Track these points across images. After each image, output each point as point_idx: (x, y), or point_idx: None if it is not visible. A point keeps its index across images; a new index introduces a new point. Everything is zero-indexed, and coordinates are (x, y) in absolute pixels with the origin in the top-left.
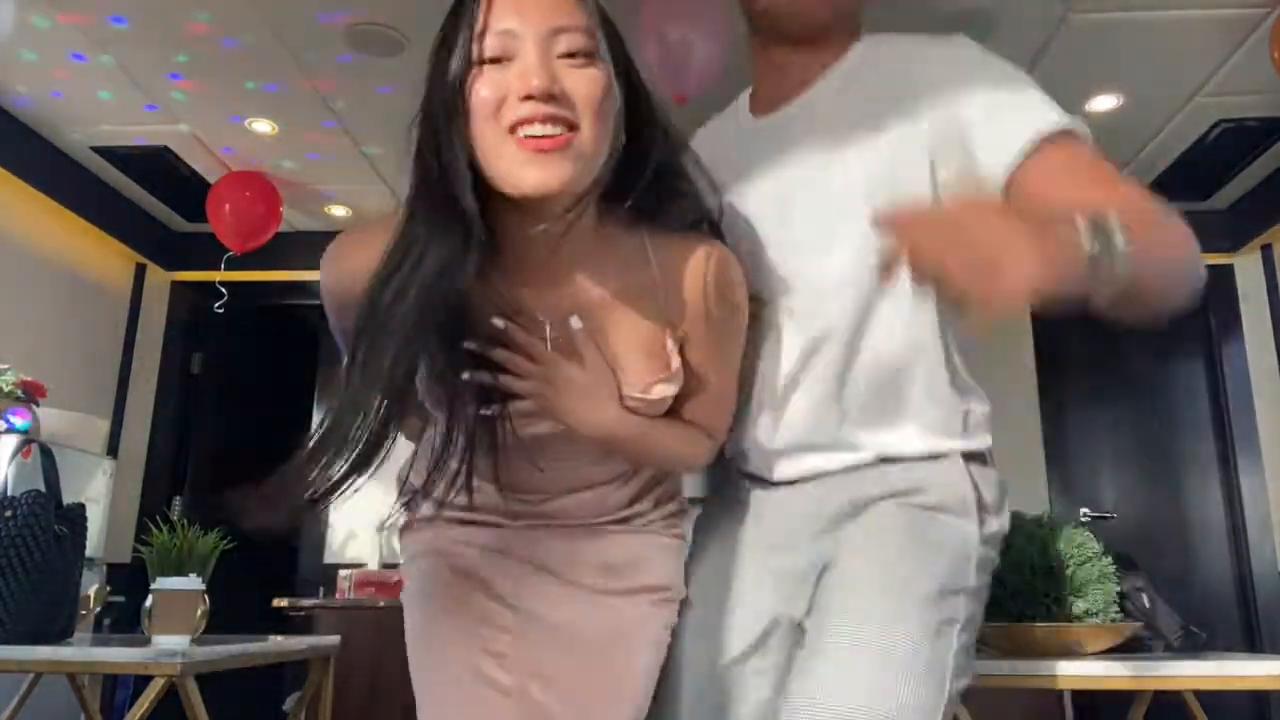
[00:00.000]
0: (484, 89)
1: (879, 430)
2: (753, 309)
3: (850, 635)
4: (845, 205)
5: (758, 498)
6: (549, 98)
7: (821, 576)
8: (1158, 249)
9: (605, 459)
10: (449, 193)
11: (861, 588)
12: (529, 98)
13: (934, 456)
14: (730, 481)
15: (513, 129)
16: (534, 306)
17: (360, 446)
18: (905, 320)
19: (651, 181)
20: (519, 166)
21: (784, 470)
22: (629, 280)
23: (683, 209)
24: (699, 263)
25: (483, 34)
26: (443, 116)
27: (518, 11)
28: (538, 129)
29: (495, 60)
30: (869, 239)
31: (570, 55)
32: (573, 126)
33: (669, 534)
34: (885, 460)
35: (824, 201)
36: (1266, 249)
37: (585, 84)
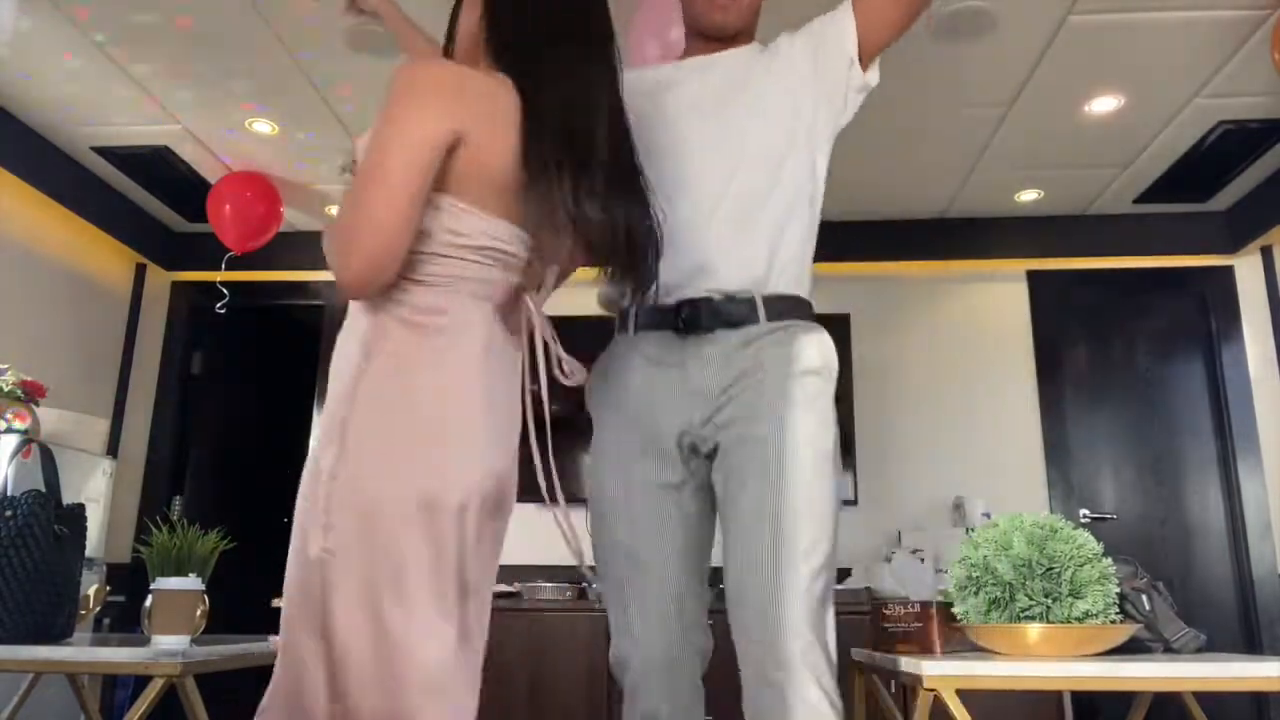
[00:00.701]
0: None
1: None
2: (670, 180)
3: None
4: (735, 123)
5: None
6: None
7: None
8: None
9: None
10: None
11: None
12: None
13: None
14: None
15: None
16: None
17: None
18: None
19: None
20: None
21: None
22: None
23: None
24: None
25: None
26: None
27: None
28: None
29: None
30: (757, 136)
31: None
32: None
33: None
34: None
35: (726, 118)
36: (1266, 250)
37: None
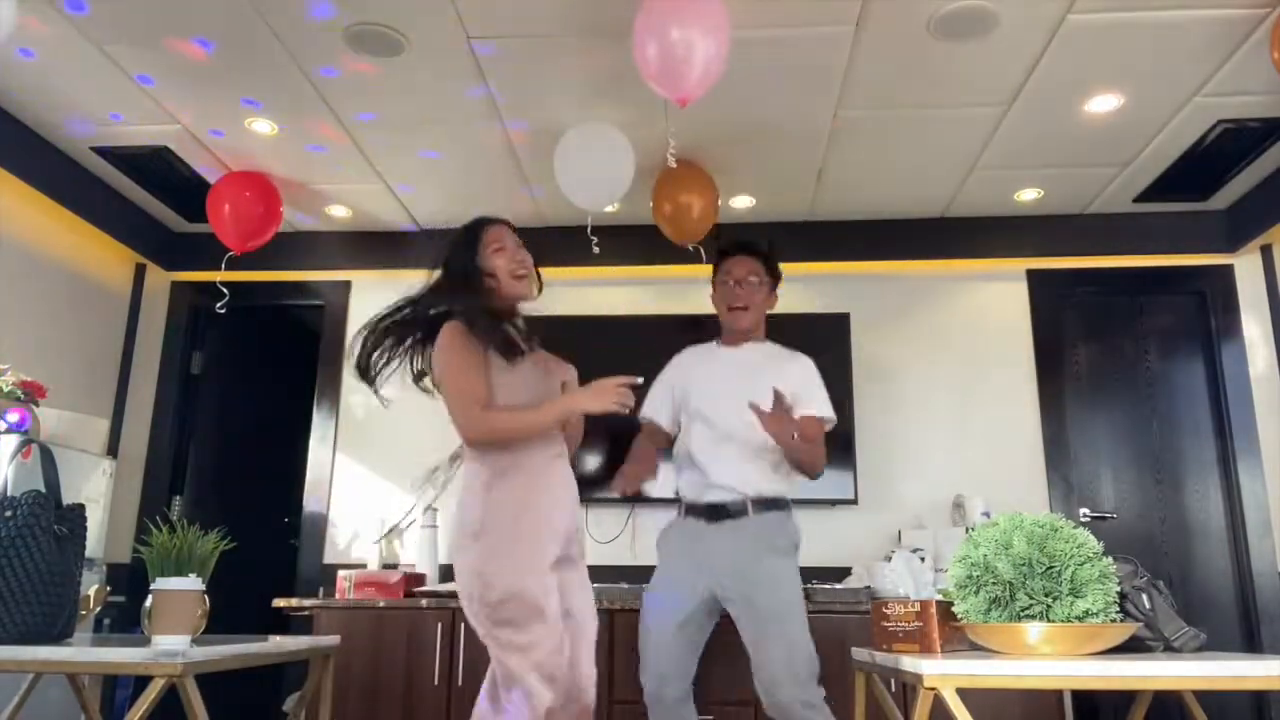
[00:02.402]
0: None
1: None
2: (699, 426)
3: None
4: (744, 399)
5: None
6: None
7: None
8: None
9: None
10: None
11: None
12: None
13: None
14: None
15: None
16: None
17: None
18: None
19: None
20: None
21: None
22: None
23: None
24: (566, 368)
25: (497, 244)
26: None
27: (505, 235)
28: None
29: (500, 249)
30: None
31: (520, 246)
32: (529, 269)
33: None
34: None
35: (740, 394)
36: (1266, 249)
37: (529, 260)
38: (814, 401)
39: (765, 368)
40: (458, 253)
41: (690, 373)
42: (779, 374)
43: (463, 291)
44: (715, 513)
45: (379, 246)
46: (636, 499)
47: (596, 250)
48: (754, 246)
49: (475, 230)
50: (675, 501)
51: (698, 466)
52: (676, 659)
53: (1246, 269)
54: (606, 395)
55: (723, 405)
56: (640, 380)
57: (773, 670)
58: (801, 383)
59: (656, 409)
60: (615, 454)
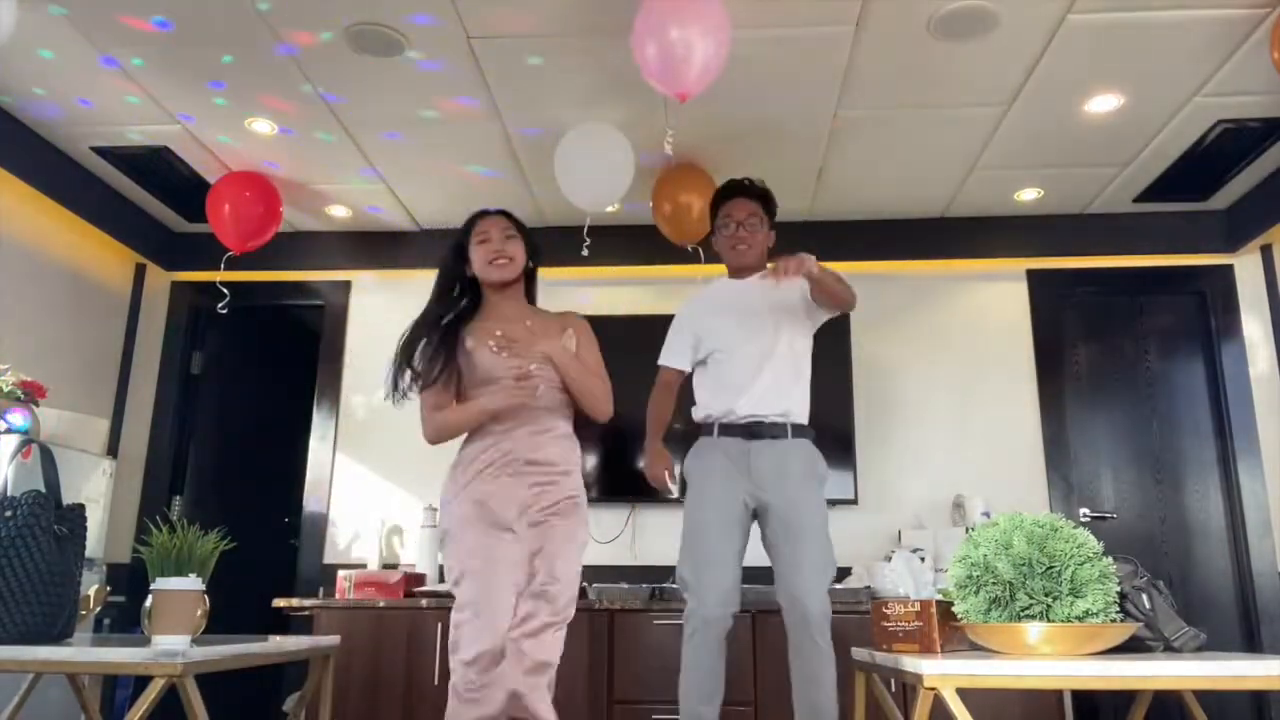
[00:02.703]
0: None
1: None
2: (721, 356)
3: None
4: (772, 313)
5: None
6: (502, 251)
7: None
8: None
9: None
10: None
11: None
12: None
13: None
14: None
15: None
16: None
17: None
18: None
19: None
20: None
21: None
22: (539, 321)
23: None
24: (567, 319)
25: (482, 236)
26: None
27: (490, 227)
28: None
29: (484, 240)
30: (783, 330)
31: (509, 237)
32: (511, 257)
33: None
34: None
35: (752, 314)
36: (1266, 249)
37: (517, 247)
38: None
39: (778, 289)
40: (447, 252)
41: (706, 310)
42: (790, 290)
43: (438, 294)
44: (753, 431)
45: (379, 246)
46: (639, 498)
47: (585, 252)
48: (752, 188)
49: (466, 227)
50: (679, 501)
51: (730, 388)
52: (735, 575)
53: (1246, 269)
54: (507, 393)
55: (751, 328)
56: (534, 366)
57: (809, 578)
58: (799, 292)
59: (677, 356)
60: (612, 454)
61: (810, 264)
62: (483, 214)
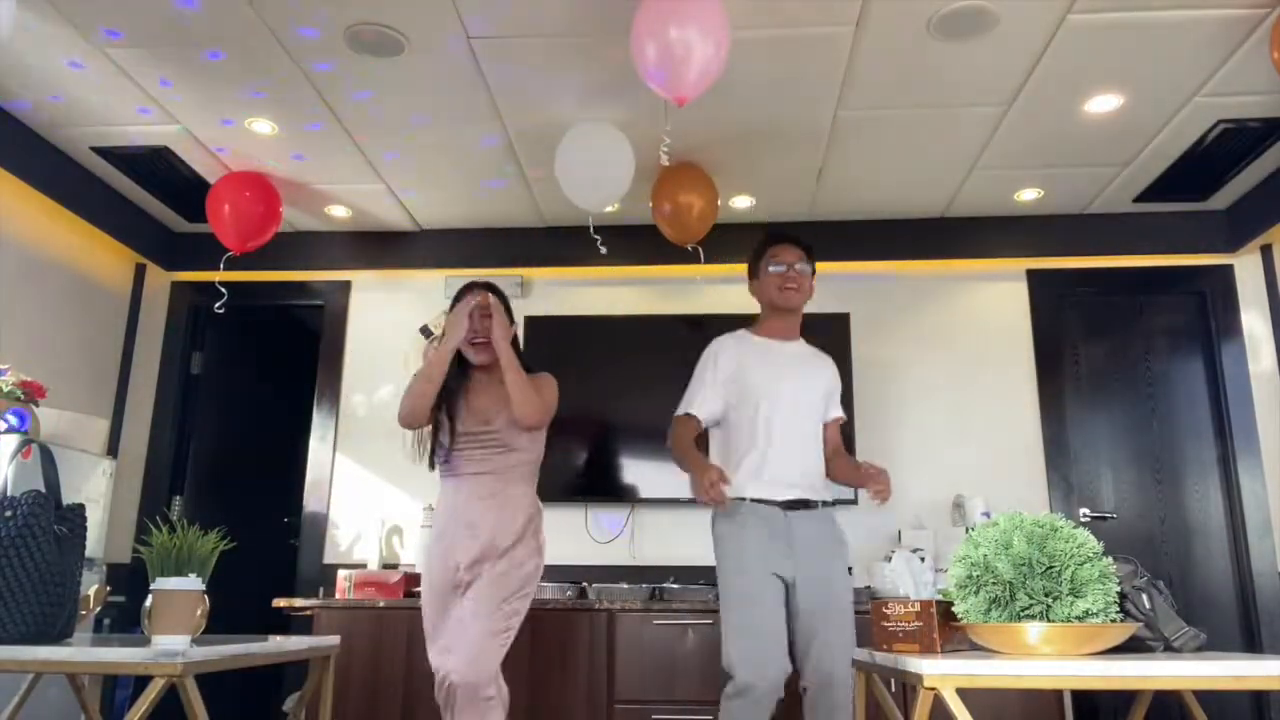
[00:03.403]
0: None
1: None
2: (761, 424)
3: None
4: (811, 390)
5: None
6: (475, 335)
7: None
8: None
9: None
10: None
11: None
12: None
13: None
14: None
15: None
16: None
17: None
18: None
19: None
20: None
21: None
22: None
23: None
24: (538, 381)
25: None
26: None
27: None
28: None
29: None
30: (815, 410)
31: (485, 316)
32: (488, 338)
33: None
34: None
35: (801, 390)
36: (1266, 248)
37: (492, 324)
38: (837, 404)
39: (815, 364)
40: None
41: (748, 365)
42: (823, 371)
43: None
44: (793, 504)
45: (379, 246)
46: (639, 498)
47: (604, 250)
48: (800, 240)
49: (454, 300)
50: (679, 501)
51: (771, 460)
52: (785, 645)
53: (1246, 269)
54: (455, 328)
55: (792, 403)
56: (476, 301)
57: (835, 661)
58: (834, 385)
59: (707, 405)
60: (607, 455)
61: (888, 489)
62: (469, 287)
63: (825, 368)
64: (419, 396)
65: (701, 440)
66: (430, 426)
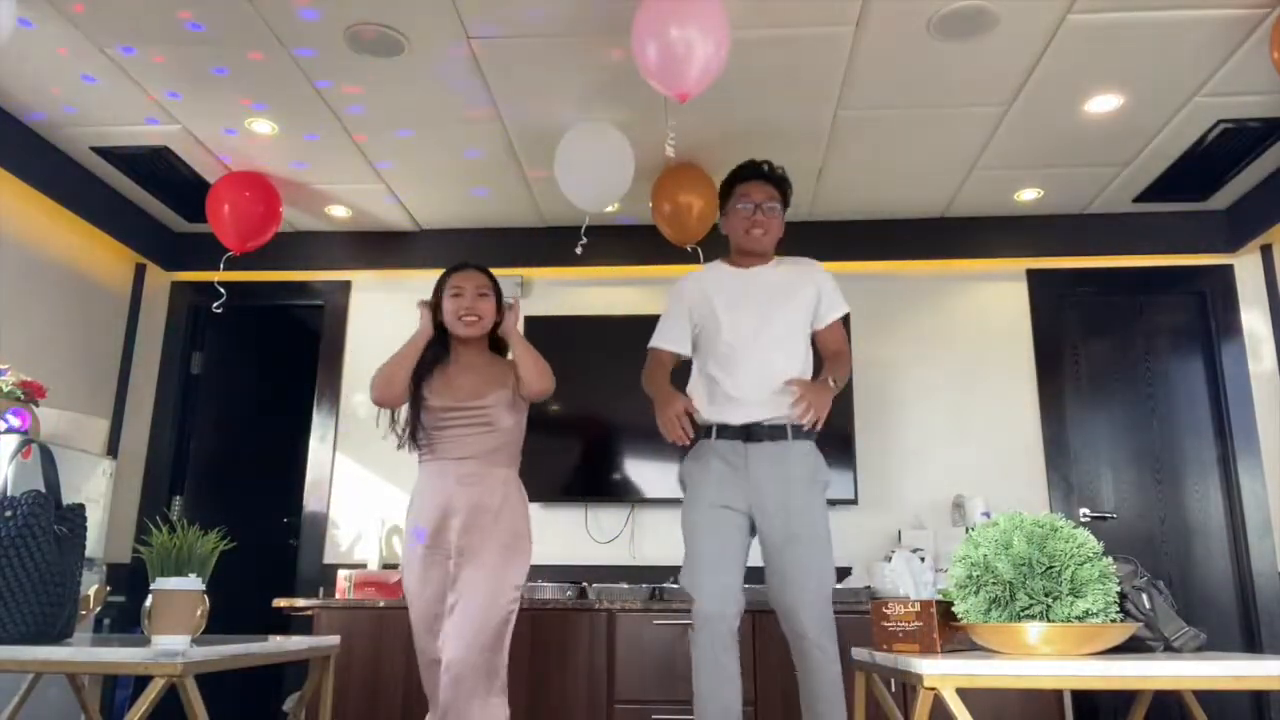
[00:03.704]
0: (451, 303)
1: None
2: (723, 350)
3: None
4: (779, 313)
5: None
6: (472, 310)
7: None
8: (845, 372)
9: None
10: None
11: None
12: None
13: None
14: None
15: (459, 317)
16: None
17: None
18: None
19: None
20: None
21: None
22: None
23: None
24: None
25: (456, 289)
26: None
27: (465, 281)
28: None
29: (457, 294)
30: (790, 332)
31: (481, 295)
32: (481, 315)
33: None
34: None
35: (771, 311)
36: (1266, 248)
37: (488, 305)
38: (835, 305)
39: (787, 285)
40: (434, 298)
41: (711, 296)
42: (801, 288)
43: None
44: (751, 433)
45: (379, 246)
46: (639, 498)
47: (579, 250)
48: (771, 173)
49: (443, 277)
50: (679, 500)
51: (729, 389)
52: (735, 572)
53: (1246, 269)
54: (422, 317)
55: (754, 328)
56: (426, 299)
57: (802, 595)
58: (818, 293)
59: (675, 338)
60: (608, 454)
61: (826, 398)
62: (460, 267)
63: (803, 285)
64: (394, 369)
65: (684, 375)
66: (407, 404)
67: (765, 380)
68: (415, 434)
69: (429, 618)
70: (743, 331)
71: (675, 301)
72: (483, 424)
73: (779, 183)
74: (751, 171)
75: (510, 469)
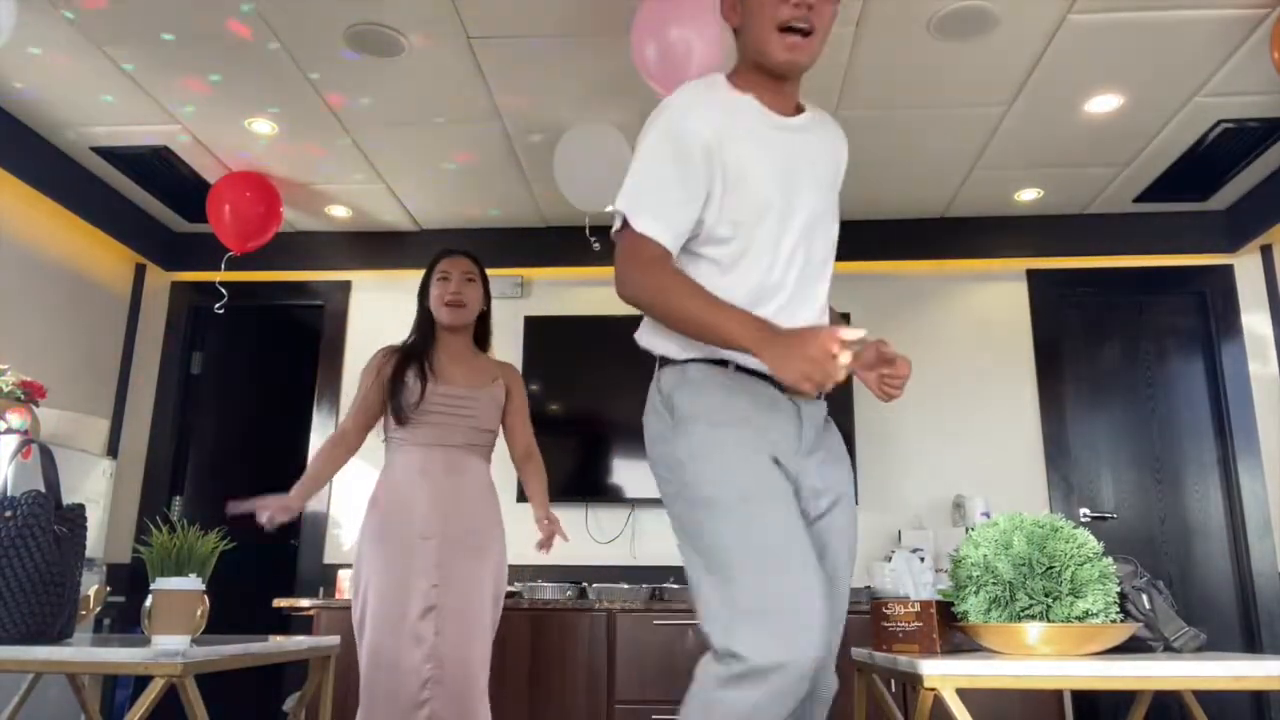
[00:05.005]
0: (437, 288)
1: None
2: (759, 237)
3: None
4: (822, 182)
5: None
6: (457, 295)
7: None
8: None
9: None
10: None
11: None
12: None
13: None
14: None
15: (444, 302)
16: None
17: None
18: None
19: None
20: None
21: None
22: (477, 364)
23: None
24: (503, 370)
25: (443, 274)
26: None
27: (452, 266)
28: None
29: (444, 278)
30: (830, 207)
31: (468, 280)
32: (466, 302)
33: None
34: None
35: (813, 180)
36: (1266, 249)
37: (474, 291)
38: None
39: (827, 149)
40: (422, 283)
41: (744, 159)
42: (838, 155)
43: (417, 321)
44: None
45: (379, 246)
46: (640, 498)
47: (596, 246)
48: None
49: (432, 262)
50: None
51: (775, 299)
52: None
53: (1246, 269)
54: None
55: (811, 219)
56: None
57: (834, 647)
58: (842, 166)
59: (680, 214)
60: (608, 454)
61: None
62: (448, 253)
63: (839, 146)
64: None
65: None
66: (390, 391)
67: (818, 317)
68: (400, 417)
69: (394, 618)
70: (795, 224)
71: (680, 158)
72: (467, 414)
73: None
74: None
75: (488, 462)
